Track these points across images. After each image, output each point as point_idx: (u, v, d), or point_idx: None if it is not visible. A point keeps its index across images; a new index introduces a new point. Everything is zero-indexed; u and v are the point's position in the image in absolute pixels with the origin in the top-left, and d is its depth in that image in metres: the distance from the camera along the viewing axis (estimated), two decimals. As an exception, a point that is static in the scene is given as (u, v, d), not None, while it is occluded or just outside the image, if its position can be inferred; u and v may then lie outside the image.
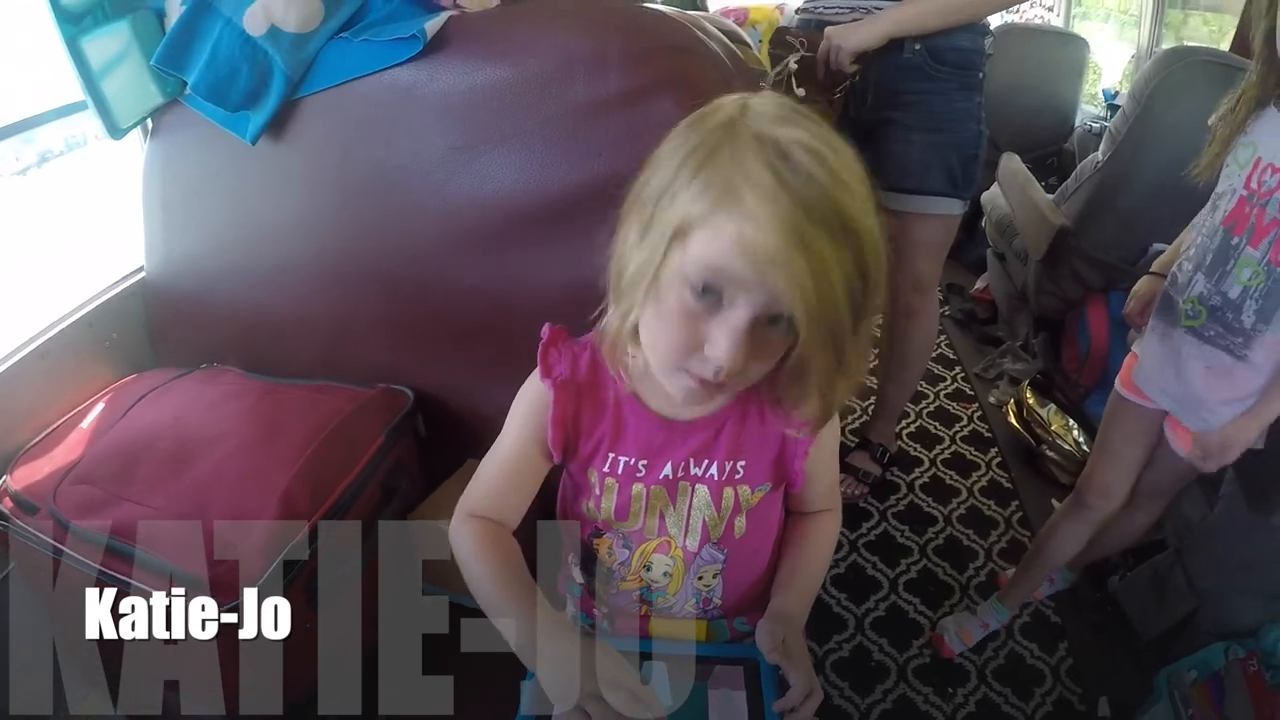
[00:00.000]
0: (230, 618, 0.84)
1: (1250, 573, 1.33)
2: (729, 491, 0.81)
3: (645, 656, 0.80)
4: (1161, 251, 1.98)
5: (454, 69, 1.07)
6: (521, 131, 1.05)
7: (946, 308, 3.00)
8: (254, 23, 1.14)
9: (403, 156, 1.12)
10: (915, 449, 2.25)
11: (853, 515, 1.99)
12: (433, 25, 1.07)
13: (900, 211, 1.69)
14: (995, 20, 3.50)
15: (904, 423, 2.30)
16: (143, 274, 1.42)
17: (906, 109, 1.64)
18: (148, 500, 1.03)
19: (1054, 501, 2.03)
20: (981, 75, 1.69)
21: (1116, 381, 1.41)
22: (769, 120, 0.62)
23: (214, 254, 1.34)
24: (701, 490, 0.80)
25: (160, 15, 1.27)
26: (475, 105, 1.07)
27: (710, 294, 0.63)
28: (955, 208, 1.73)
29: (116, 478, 1.07)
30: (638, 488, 0.81)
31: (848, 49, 1.54)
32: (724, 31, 1.89)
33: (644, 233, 0.66)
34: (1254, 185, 1.15)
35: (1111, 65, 3.88)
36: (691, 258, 0.62)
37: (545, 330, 0.81)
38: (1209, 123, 1.25)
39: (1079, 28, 4.14)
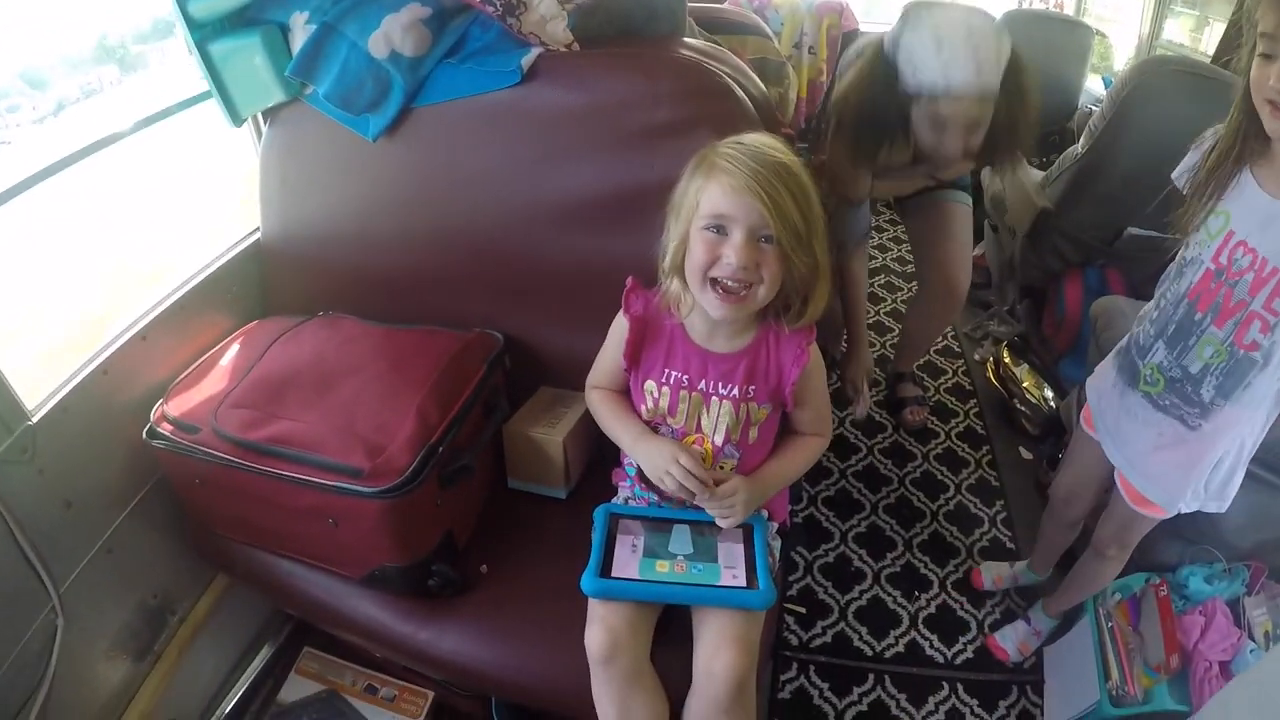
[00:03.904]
0: (393, 495, 1.15)
1: (1175, 519, 1.35)
2: (744, 407, 1.16)
3: (674, 521, 1.18)
4: (1135, 235, 2.24)
5: (543, 95, 1.38)
6: (593, 147, 1.37)
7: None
8: (377, 47, 1.41)
9: (500, 159, 1.42)
10: (903, 399, 2.52)
11: (843, 448, 2.32)
12: (527, 61, 1.36)
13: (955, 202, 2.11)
14: (1005, 5, 3.69)
15: (894, 376, 2.60)
16: (257, 235, 1.65)
17: None
18: (302, 418, 1.25)
19: (1021, 449, 2.32)
20: None
21: (1079, 416, 1.46)
22: (733, 137, 1.08)
23: (330, 222, 1.58)
24: (726, 404, 1.16)
25: (284, 29, 1.48)
26: (558, 124, 1.38)
27: (719, 231, 1.04)
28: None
29: (270, 401, 1.28)
30: (683, 393, 1.17)
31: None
32: (746, 24, 2.16)
33: (676, 217, 1.10)
34: (1223, 261, 1.10)
35: (1125, 45, 3.94)
36: (701, 212, 1.05)
37: (629, 280, 1.19)
38: (1173, 176, 1.24)
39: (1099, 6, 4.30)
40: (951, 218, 2.12)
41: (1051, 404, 2.34)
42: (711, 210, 1.04)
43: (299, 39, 1.46)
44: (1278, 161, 1.06)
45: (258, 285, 1.67)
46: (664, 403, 1.18)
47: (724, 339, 1.16)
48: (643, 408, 1.20)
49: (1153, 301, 1.26)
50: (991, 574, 1.92)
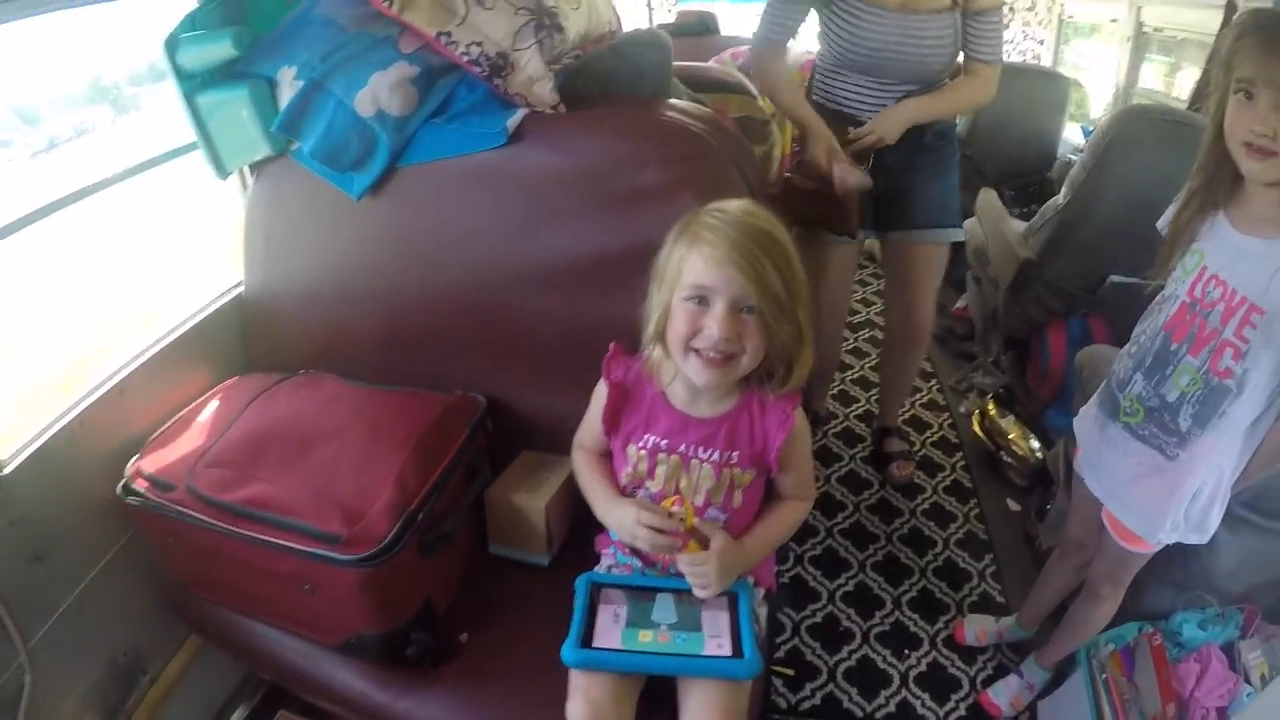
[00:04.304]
0: (371, 564, 1.13)
1: (1166, 565, 1.41)
2: (727, 472, 1.15)
3: (658, 589, 1.16)
4: (1117, 283, 2.27)
5: (529, 157, 1.38)
6: (579, 209, 1.37)
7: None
8: (364, 106, 1.41)
9: (484, 220, 1.42)
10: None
11: (829, 505, 2.30)
12: (513, 122, 1.36)
13: (927, 244, 2.11)
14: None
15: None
16: (240, 289, 1.64)
17: (923, 170, 2.04)
18: (279, 480, 1.22)
19: (1009, 501, 2.32)
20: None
21: (1075, 458, 1.47)
22: (715, 204, 1.07)
23: (313, 278, 1.57)
24: (707, 468, 1.15)
25: (271, 83, 1.49)
26: (544, 186, 1.38)
27: (701, 301, 1.04)
28: (961, 234, 2.15)
29: (247, 461, 1.26)
30: (661, 456, 1.16)
31: (890, 139, 1.93)
32: (729, 83, 2.19)
33: (659, 285, 1.09)
34: (1197, 294, 1.17)
35: (1101, 92, 4.05)
36: (684, 283, 1.04)
37: (611, 346, 1.19)
38: (1158, 225, 1.29)
39: (1074, 49, 4.40)
40: (921, 261, 2.14)
41: (1038, 455, 2.33)
42: (693, 281, 1.04)
43: (286, 94, 1.47)
44: (1249, 203, 1.13)
45: (239, 340, 1.66)
46: (642, 466, 1.17)
47: (706, 404, 1.15)
48: (624, 471, 1.19)
49: (1130, 339, 1.31)
50: (975, 629, 1.90)
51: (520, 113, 1.39)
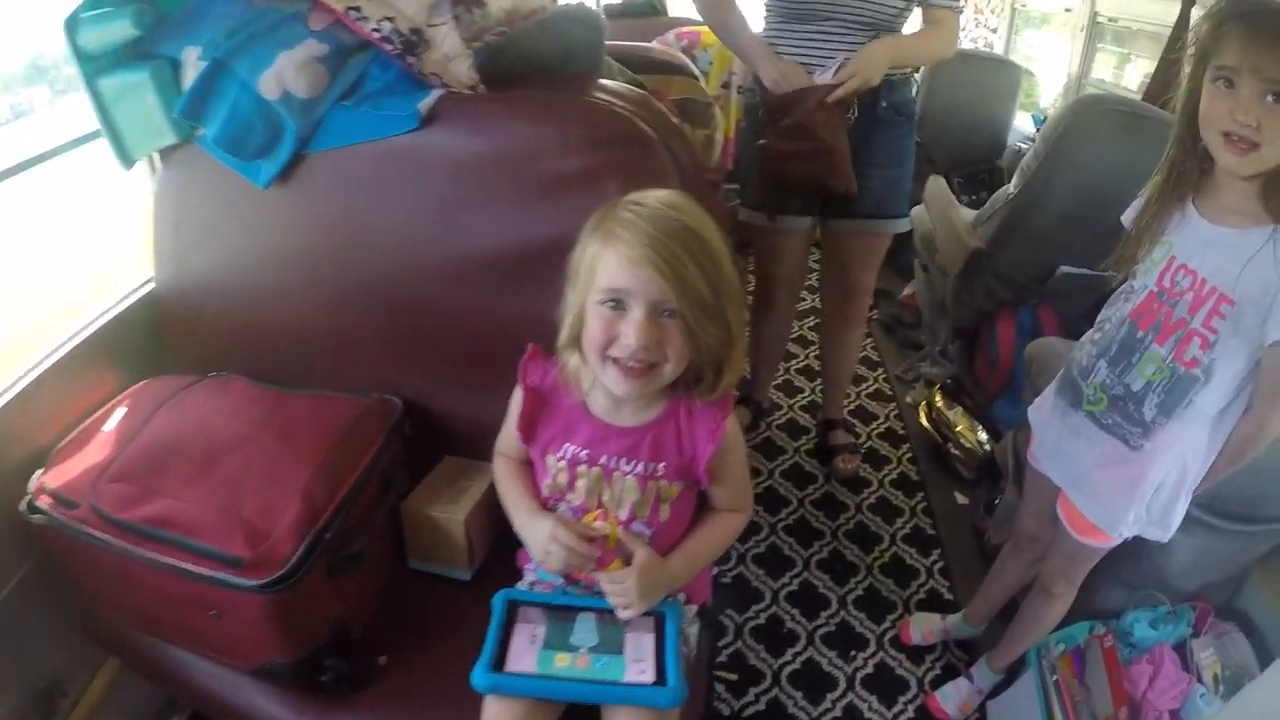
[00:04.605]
0: (275, 589, 1.05)
1: (1117, 564, 1.40)
2: (652, 484, 1.07)
3: (580, 609, 1.08)
4: (1068, 273, 2.25)
5: (445, 141, 1.28)
6: (500, 197, 1.27)
7: (875, 312, 3.23)
8: (269, 88, 1.30)
9: (400, 210, 1.32)
10: (836, 445, 2.46)
11: (773, 501, 2.25)
12: (426, 104, 1.26)
13: (873, 233, 2.05)
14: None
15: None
16: (152, 286, 1.53)
17: (877, 150, 1.93)
18: (184, 495, 1.15)
19: (956, 494, 2.29)
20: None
21: (1026, 452, 1.47)
22: (635, 194, 0.98)
23: (224, 274, 1.48)
24: (630, 480, 1.06)
25: (175, 64, 1.38)
26: (463, 173, 1.28)
27: (617, 305, 0.95)
28: (907, 223, 2.08)
29: (152, 475, 1.18)
30: (581, 469, 1.07)
31: (874, 79, 1.81)
32: (671, 64, 2.12)
33: (573, 285, 1.00)
34: (1165, 283, 1.16)
35: (1052, 82, 4.08)
36: (598, 285, 0.95)
37: (529, 348, 1.10)
38: (1122, 219, 1.27)
39: (1024, 39, 4.40)
40: (860, 249, 2.10)
41: (986, 447, 2.31)
42: (607, 284, 0.95)
43: (190, 76, 1.36)
44: (1219, 193, 1.12)
45: (152, 339, 1.55)
46: (562, 479, 1.09)
47: (629, 413, 1.06)
48: (544, 482, 1.11)
49: (1094, 327, 1.30)
50: (921, 628, 1.86)
51: (435, 94, 1.29)
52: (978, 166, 3.59)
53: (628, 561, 1.04)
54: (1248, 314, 1.08)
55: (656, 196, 0.98)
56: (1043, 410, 1.40)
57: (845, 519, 2.21)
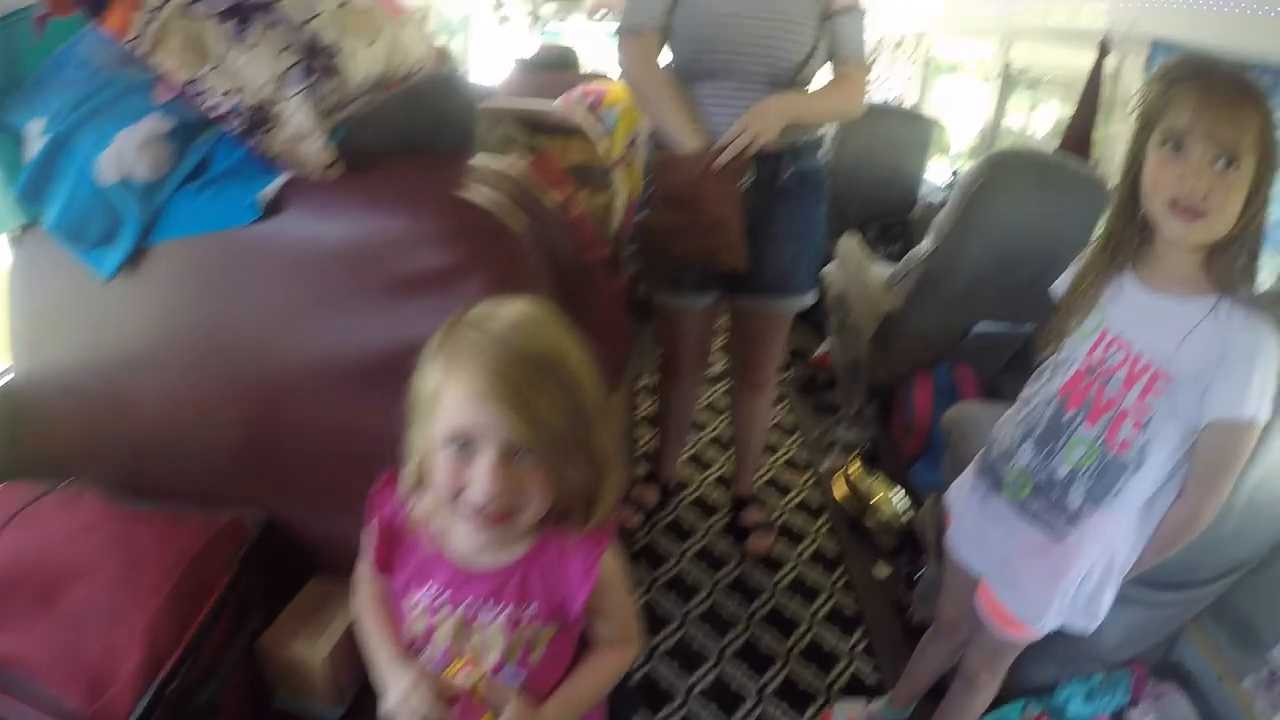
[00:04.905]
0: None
1: (1048, 641, 1.33)
2: (521, 629, 0.93)
3: None
4: (983, 332, 2.21)
5: (292, 233, 1.15)
6: (354, 296, 1.14)
7: (790, 372, 3.17)
8: (107, 170, 1.17)
9: (252, 309, 1.19)
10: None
11: (684, 589, 2.11)
12: (266, 194, 1.13)
13: (772, 312, 1.95)
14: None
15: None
16: (10, 375, 1.41)
17: (778, 223, 1.81)
18: (24, 631, 1.05)
19: (878, 565, 2.20)
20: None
21: (944, 540, 1.41)
22: (481, 309, 0.84)
23: (77, 371, 1.35)
24: (495, 626, 0.93)
25: (18, 139, 1.24)
26: (312, 269, 1.15)
27: (465, 446, 0.81)
28: (813, 296, 1.97)
29: None
30: (444, 612, 0.93)
31: (767, 137, 1.65)
32: (567, 126, 2.00)
33: (416, 418, 0.86)
34: (1095, 358, 1.12)
35: (960, 129, 4.11)
36: (441, 424, 0.81)
37: (383, 476, 0.95)
38: (1051, 289, 1.23)
39: (936, 86, 4.43)
40: (762, 326, 2.01)
41: (904, 519, 2.26)
42: (451, 423, 0.81)
43: (32, 152, 1.22)
44: (1158, 261, 1.08)
45: (7, 437, 1.40)
46: (419, 627, 0.95)
47: (490, 555, 0.93)
48: (404, 626, 0.97)
49: (1017, 404, 1.24)
50: (845, 717, 1.77)
51: (278, 180, 1.15)
52: (890, 220, 3.58)
53: (499, 714, 0.90)
54: (1184, 391, 1.04)
55: (508, 313, 0.84)
56: (961, 491, 1.33)
57: (761, 602, 2.09)
